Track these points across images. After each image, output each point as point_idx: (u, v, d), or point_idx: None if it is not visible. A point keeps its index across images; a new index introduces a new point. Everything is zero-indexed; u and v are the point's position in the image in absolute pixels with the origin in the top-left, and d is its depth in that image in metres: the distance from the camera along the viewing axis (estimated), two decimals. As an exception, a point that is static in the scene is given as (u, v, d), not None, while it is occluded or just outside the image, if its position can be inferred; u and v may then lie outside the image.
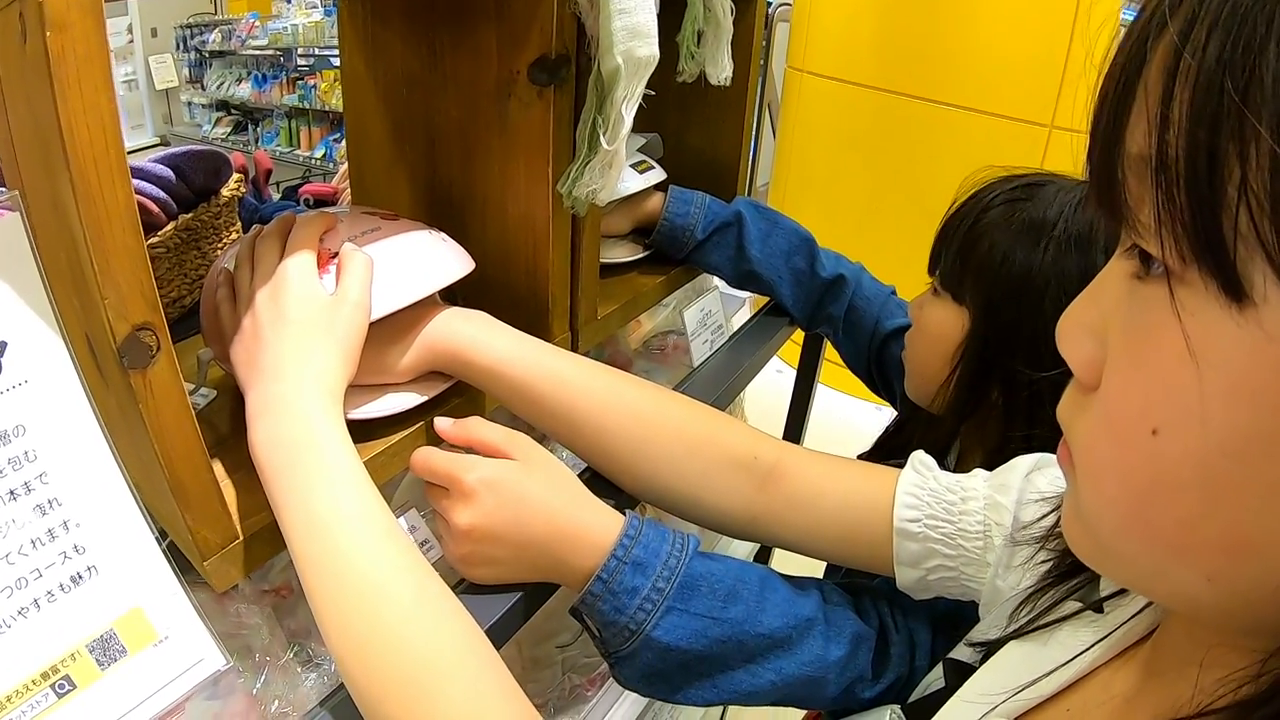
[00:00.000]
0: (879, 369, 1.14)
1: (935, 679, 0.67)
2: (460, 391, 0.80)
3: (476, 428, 0.71)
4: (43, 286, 0.50)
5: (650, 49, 0.74)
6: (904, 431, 1.07)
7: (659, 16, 0.77)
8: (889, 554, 0.72)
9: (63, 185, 0.44)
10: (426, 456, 0.69)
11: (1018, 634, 0.59)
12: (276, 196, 1.38)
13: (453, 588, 0.66)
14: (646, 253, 1.15)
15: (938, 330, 0.91)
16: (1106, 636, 0.54)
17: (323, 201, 1.35)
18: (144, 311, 0.49)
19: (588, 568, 0.66)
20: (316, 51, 5.68)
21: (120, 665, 0.55)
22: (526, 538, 0.66)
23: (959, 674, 0.63)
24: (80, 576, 0.53)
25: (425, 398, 0.75)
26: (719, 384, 1.04)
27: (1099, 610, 0.57)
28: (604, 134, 0.75)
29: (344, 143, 5.28)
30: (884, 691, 0.75)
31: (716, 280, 1.26)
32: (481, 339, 0.76)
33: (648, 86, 0.80)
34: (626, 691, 1.24)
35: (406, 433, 0.74)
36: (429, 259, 0.73)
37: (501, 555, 0.67)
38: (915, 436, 1.01)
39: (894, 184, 3.26)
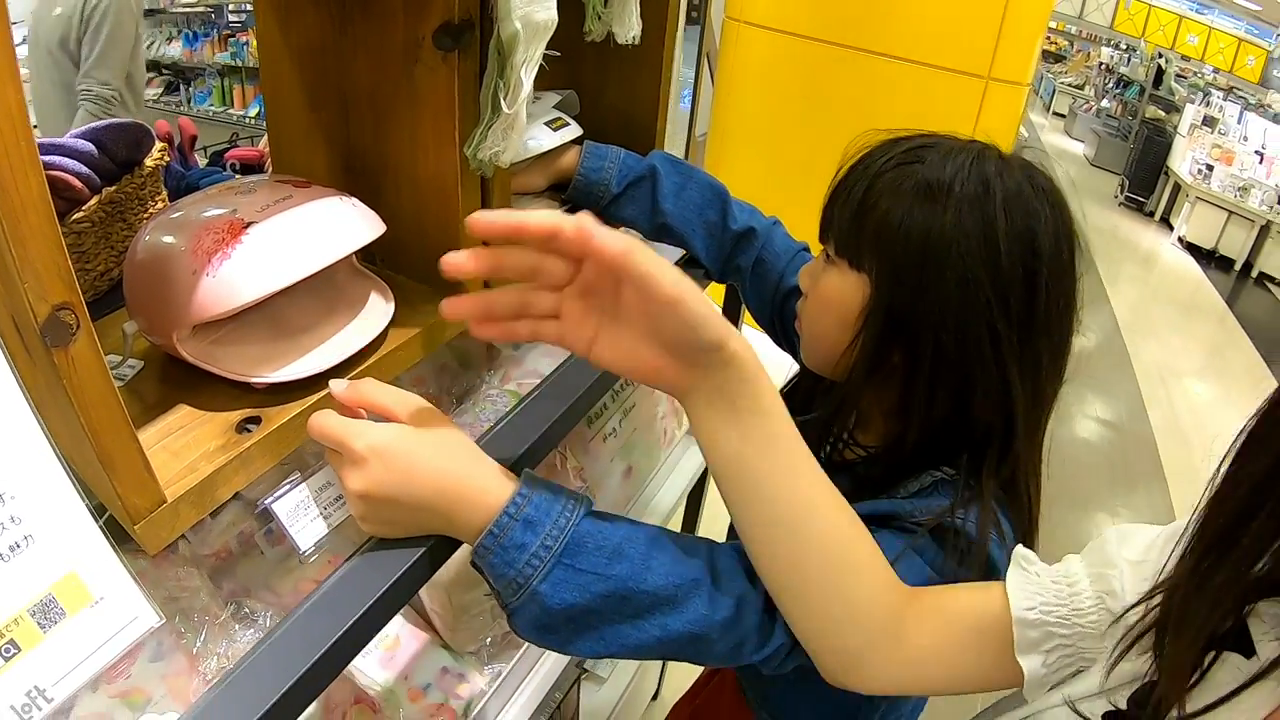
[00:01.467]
0: (780, 322, 1.16)
1: None
2: (371, 351, 0.82)
3: (368, 390, 0.71)
4: (-37, 275, 0.52)
5: (548, 13, 0.76)
6: (800, 390, 1.09)
7: (570, -22, 0.79)
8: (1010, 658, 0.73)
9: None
10: (321, 421, 0.69)
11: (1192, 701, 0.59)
12: (203, 162, 1.37)
13: (361, 545, 0.70)
14: (563, 208, 1.15)
15: (836, 298, 0.90)
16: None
17: (249, 167, 1.34)
18: (62, 292, 0.51)
19: (480, 525, 0.68)
20: (248, 7, 5.60)
21: (60, 627, 0.57)
22: (417, 500, 0.68)
23: None
24: (18, 545, 0.55)
25: (340, 359, 0.77)
26: None
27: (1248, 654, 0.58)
28: (504, 97, 0.77)
29: None
30: (771, 655, 0.78)
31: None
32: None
33: (556, 46, 0.82)
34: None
35: (325, 392, 0.75)
36: (338, 224, 0.75)
37: (396, 516, 0.69)
38: (815, 398, 1.03)
39: (831, 135, 3.34)
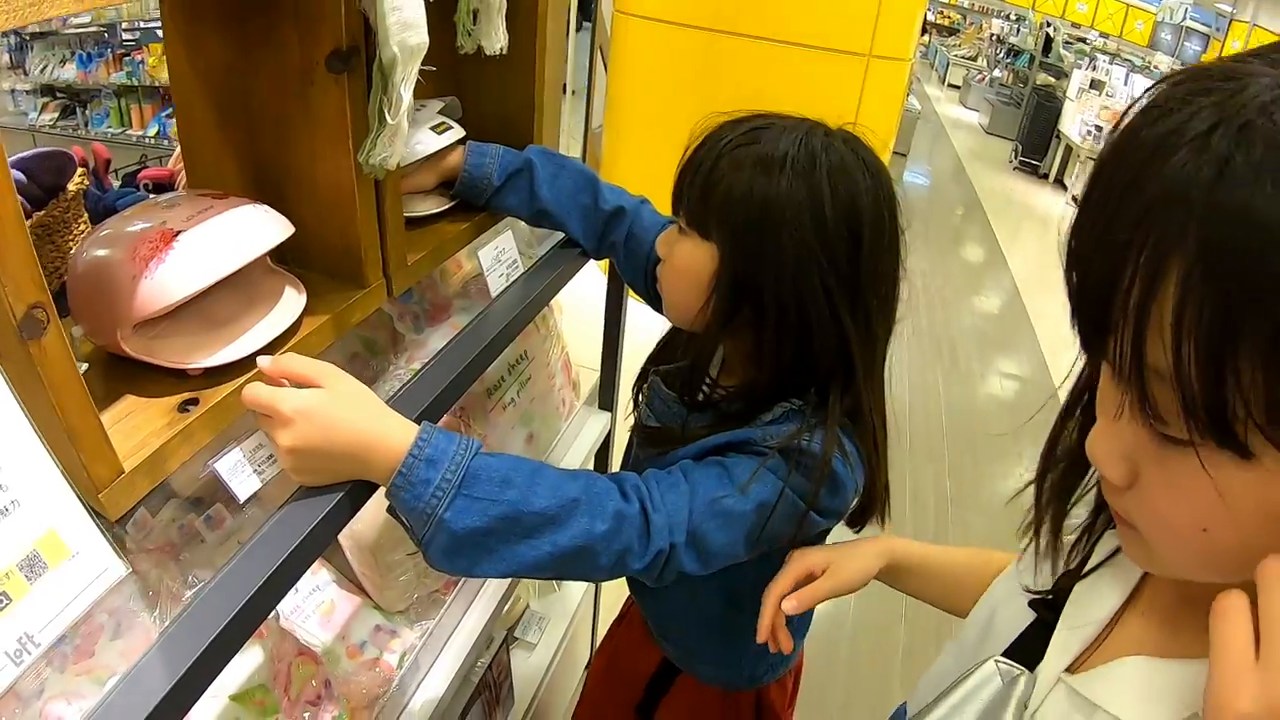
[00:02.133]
0: (653, 286, 1.27)
1: (1021, 622, 0.80)
2: (289, 337, 0.94)
3: (289, 362, 0.84)
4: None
5: (420, 37, 0.89)
6: (672, 344, 1.25)
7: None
8: None
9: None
10: (253, 391, 0.81)
11: (1082, 575, 0.76)
12: (117, 184, 1.46)
13: (290, 495, 0.82)
14: (452, 203, 1.29)
15: (689, 264, 1.03)
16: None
17: (161, 185, 1.44)
18: (35, 293, 0.63)
19: (390, 467, 0.81)
20: (142, 25, 5.48)
21: (44, 578, 0.65)
22: (338, 450, 0.81)
23: (1049, 609, 0.78)
24: (6, 509, 0.63)
25: (263, 344, 0.90)
26: (508, 314, 1.20)
27: None
28: (388, 110, 0.90)
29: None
30: (652, 561, 0.93)
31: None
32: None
33: (436, 60, 0.95)
34: (478, 594, 1.43)
35: (253, 373, 0.88)
36: (255, 227, 0.88)
37: (320, 466, 0.82)
38: (681, 348, 1.20)
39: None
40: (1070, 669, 0.71)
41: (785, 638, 1.05)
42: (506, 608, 1.88)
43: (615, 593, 2.78)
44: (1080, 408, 0.69)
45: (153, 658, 0.69)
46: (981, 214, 9.36)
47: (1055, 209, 10.50)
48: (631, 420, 1.32)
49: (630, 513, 0.92)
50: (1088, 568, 0.75)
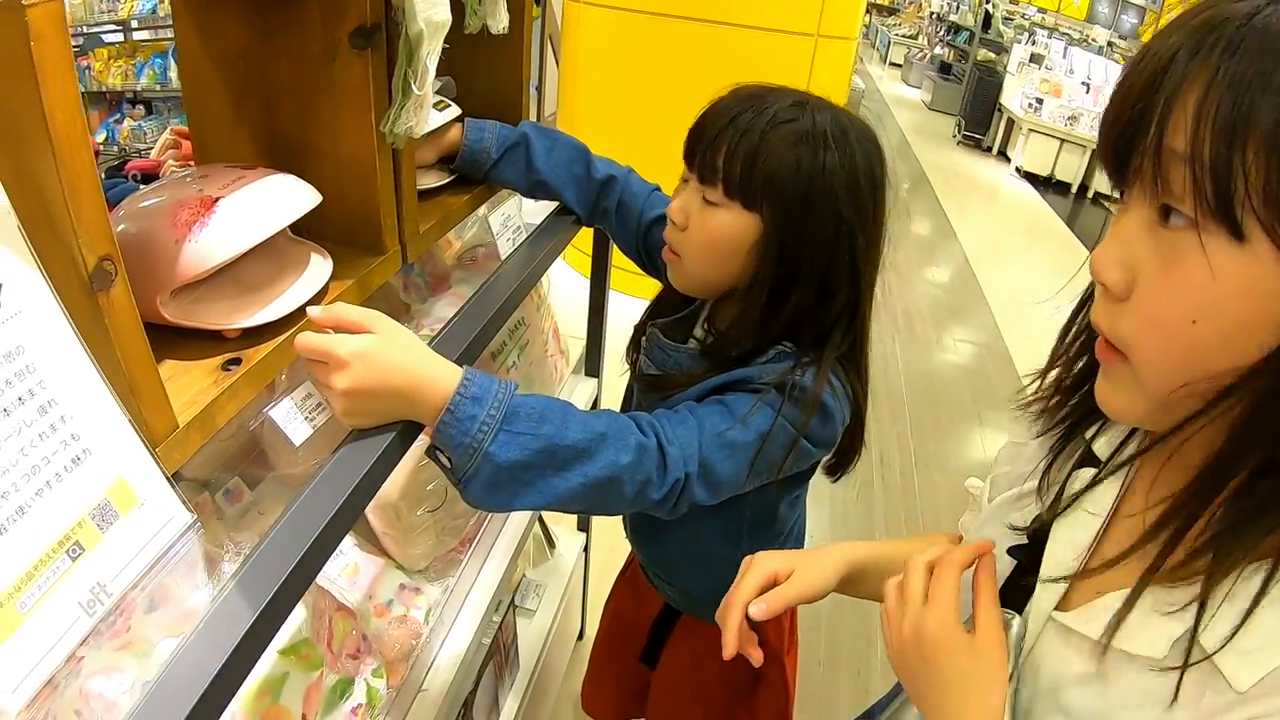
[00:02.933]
0: (645, 249, 1.38)
1: (1003, 570, 0.83)
2: (318, 300, 0.98)
3: (341, 311, 0.87)
4: (23, 238, 0.62)
5: (445, 14, 0.95)
6: (664, 303, 1.32)
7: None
8: None
9: (42, 156, 0.60)
10: (306, 339, 0.85)
11: (1057, 515, 0.80)
12: (103, 177, 1.49)
13: (343, 439, 0.86)
14: (453, 177, 1.35)
15: (728, 235, 1.09)
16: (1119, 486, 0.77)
17: (150, 176, 1.47)
18: (105, 245, 0.67)
19: (439, 404, 0.86)
20: (86, 30, 5.38)
21: (115, 527, 0.67)
22: (392, 390, 0.85)
23: (1027, 554, 0.82)
24: (78, 459, 0.65)
25: (297, 305, 0.94)
26: (519, 274, 1.25)
27: (1103, 466, 0.79)
28: (414, 82, 0.95)
29: (126, 123, 4.95)
30: (670, 490, 1.00)
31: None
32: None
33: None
34: (491, 552, 1.48)
35: (290, 332, 0.92)
36: (289, 193, 0.93)
37: (375, 407, 0.86)
38: (671, 306, 1.29)
39: (673, 103, 3.57)
40: (1058, 607, 0.76)
41: (755, 650, 1.05)
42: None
43: (605, 557, 2.85)
44: (1087, 307, 0.74)
45: (220, 612, 0.70)
46: (929, 188, 9.49)
47: (1000, 180, 10.65)
48: (624, 381, 1.40)
49: (649, 445, 0.98)
50: (1061, 507, 0.80)
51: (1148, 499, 0.72)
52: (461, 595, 1.40)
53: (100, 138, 5.54)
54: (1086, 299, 0.77)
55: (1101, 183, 10.49)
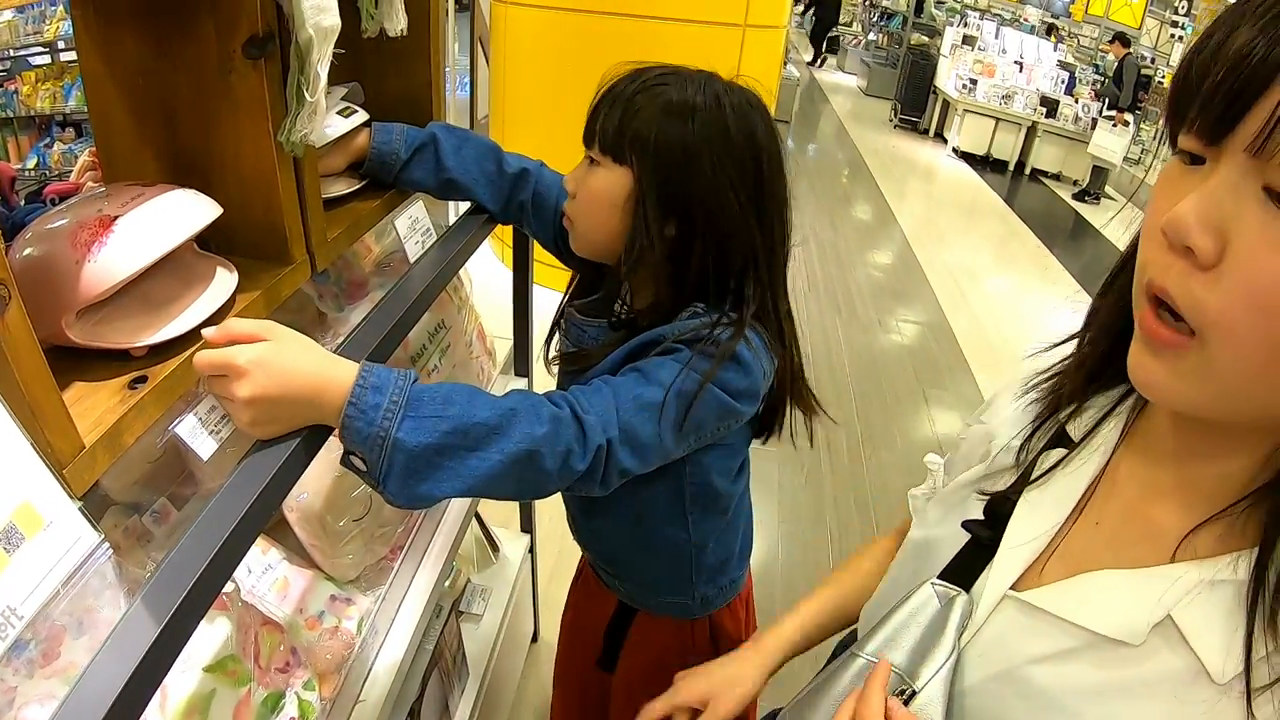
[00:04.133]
0: (562, 240, 1.37)
1: (955, 545, 0.83)
2: (223, 314, 0.97)
3: (234, 326, 0.87)
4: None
5: (333, 19, 0.94)
6: (580, 286, 1.35)
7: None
8: None
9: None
10: (204, 355, 0.84)
11: (1022, 492, 0.80)
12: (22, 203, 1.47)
13: (249, 449, 0.86)
14: (362, 183, 1.35)
15: (604, 189, 1.15)
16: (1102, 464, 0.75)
17: (67, 198, 1.45)
18: (-1, 271, 0.66)
19: (341, 402, 0.87)
20: (13, 53, 5.25)
21: (22, 550, 0.67)
22: (294, 393, 0.85)
23: (985, 529, 0.81)
24: None
25: (202, 319, 0.94)
26: (428, 275, 1.25)
27: (1075, 447, 0.78)
28: (307, 90, 0.95)
29: (56, 147, 4.85)
30: (593, 461, 1.00)
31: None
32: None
33: (341, 45, 1.00)
34: (424, 557, 1.48)
35: (195, 348, 0.92)
36: (188, 208, 0.92)
37: (279, 413, 0.86)
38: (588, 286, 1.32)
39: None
40: (1014, 586, 0.75)
41: None
42: (449, 581, 1.94)
43: (553, 558, 2.85)
44: (1117, 283, 0.74)
45: (126, 626, 0.69)
46: (867, 172, 9.60)
47: (938, 161, 10.79)
48: (554, 382, 1.39)
49: (563, 415, 0.99)
50: (1029, 484, 0.80)
51: (1136, 480, 0.73)
52: (395, 603, 1.40)
53: (31, 163, 5.41)
54: (1117, 273, 0.74)
55: (1039, 159, 10.70)
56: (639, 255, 1.14)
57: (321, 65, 0.95)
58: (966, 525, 0.83)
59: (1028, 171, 10.78)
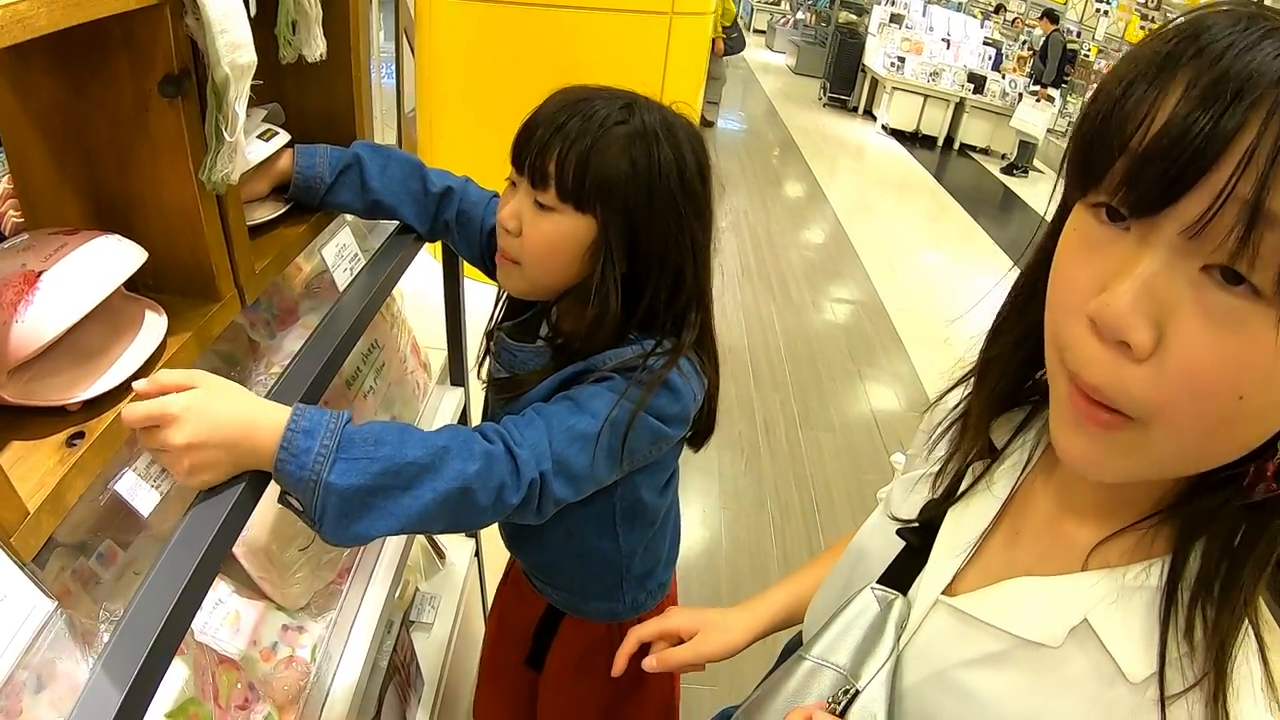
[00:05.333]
0: (489, 256, 1.35)
1: (891, 552, 0.85)
2: (157, 359, 0.97)
3: (164, 378, 0.87)
4: None
5: (249, 56, 0.93)
6: (511, 308, 1.35)
7: (261, 9, 0.96)
8: None
9: None
10: (133, 410, 0.84)
11: (950, 502, 0.82)
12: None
13: (194, 500, 0.86)
14: (288, 206, 1.32)
15: (563, 236, 1.12)
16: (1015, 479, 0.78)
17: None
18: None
19: (274, 446, 0.87)
20: None
21: None
22: (228, 438, 0.85)
23: (917, 536, 0.83)
24: None
25: (135, 368, 0.93)
26: (358, 305, 1.24)
27: (996, 456, 0.80)
28: (225, 129, 0.94)
29: None
30: (528, 492, 1.01)
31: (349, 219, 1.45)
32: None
33: (258, 69, 0.98)
34: (372, 577, 1.48)
35: (131, 396, 0.90)
36: (112, 257, 0.91)
37: (214, 458, 0.85)
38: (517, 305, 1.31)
39: (536, 91, 3.55)
40: (946, 591, 0.78)
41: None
42: (398, 593, 1.93)
43: (500, 559, 2.85)
44: (1001, 338, 0.76)
45: (93, 688, 0.70)
46: (797, 151, 9.67)
47: (867, 139, 10.90)
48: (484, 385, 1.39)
49: (497, 452, 1.00)
50: (956, 495, 0.82)
51: (1050, 493, 0.75)
52: (346, 626, 1.39)
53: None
54: (1008, 311, 0.75)
55: (967, 134, 10.86)
56: (599, 297, 1.13)
57: (239, 103, 0.94)
58: (901, 533, 0.85)
59: (956, 147, 10.96)
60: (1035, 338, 0.65)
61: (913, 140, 10.98)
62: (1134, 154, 0.51)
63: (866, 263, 6.69)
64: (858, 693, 0.78)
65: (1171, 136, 0.49)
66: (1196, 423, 0.53)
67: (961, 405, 0.84)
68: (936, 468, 0.85)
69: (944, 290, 6.55)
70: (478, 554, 2.49)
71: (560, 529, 1.33)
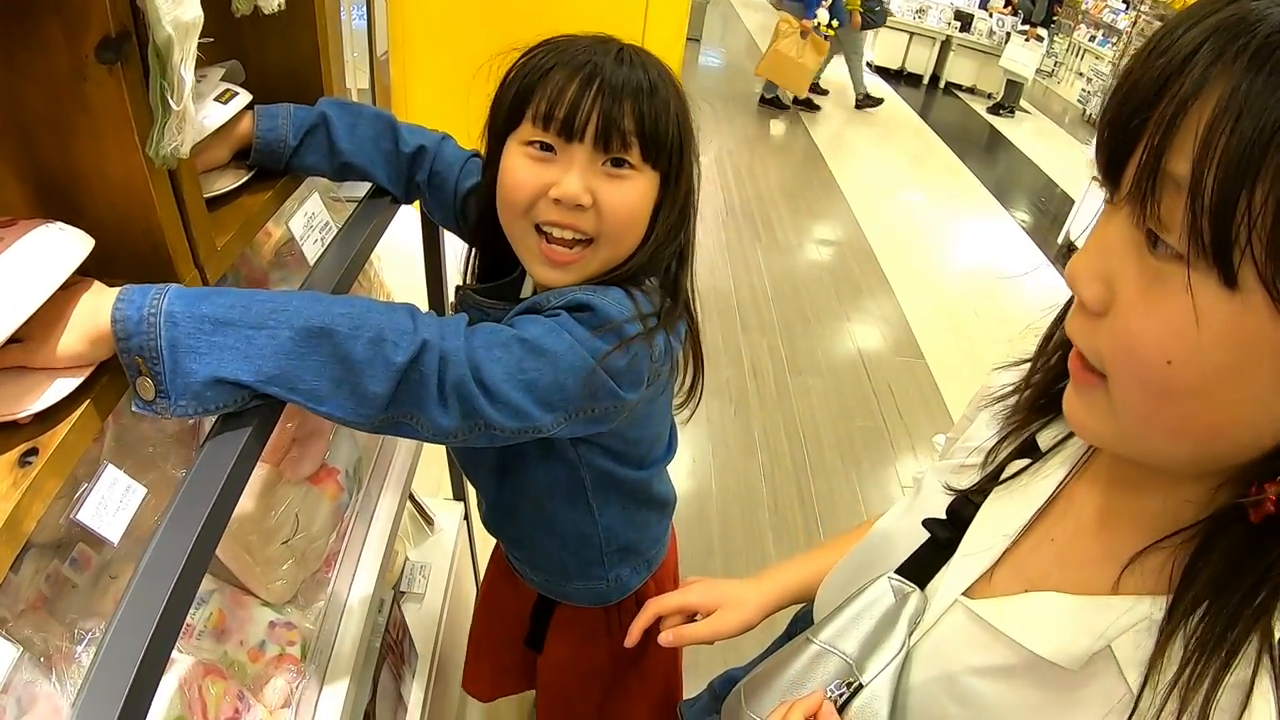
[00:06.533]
0: (464, 220, 1.28)
1: (914, 541, 0.84)
2: (106, 367, 0.86)
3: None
4: None
5: (194, 11, 0.82)
6: (481, 267, 1.27)
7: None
8: None
9: None
10: None
11: (986, 490, 0.81)
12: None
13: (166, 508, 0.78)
14: (250, 174, 1.19)
15: (641, 199, 1.05)
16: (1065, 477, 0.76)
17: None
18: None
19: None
20: None
21: None
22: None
23: (945, 530, 0.82)
24: None
25: (84, 377, 0.82)
26: (333, 276, 1.12)
27: (1040, 458, 0.79)
28: (171, 96, 0.83)
29: None
30: (418, 355, 0.87)
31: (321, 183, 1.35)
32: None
33: (211, 24, 0.87)
34: (360, 562, 1.41)
35: (82, 409, 0.81)
36: (53, 252, 0.81)
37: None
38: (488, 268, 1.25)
39: (511, 37, 3.45)
40: (966, 593, 0.77)
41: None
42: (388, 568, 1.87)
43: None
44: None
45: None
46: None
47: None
48: None
49: (395, 310, 0.90)
50: (994, 485, 0.81)
51: (1092, 502, 0.73)
52: (336, 615, 1.33)
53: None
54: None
55: (954, 73, 10.77)
56: (657, 259, 1.10)
57: (186, 66, 0.83)
58: (927, 524, 0.84)
59: (942, 85, 10.86)
60: None
61: (898, 78, 10.86)
62: (1101, 126, 0.56)
63: (852, 202, 6.62)
64: (860, 686, 0.79)
65: (1119, 102, 0.54)
66: (1136, 386, 0.55)
67: (1011, 386, 0.83)
68: (979, 458, 0.83)
69: (929, 231, 6.49)
70: (466, 516, 2.45)
71: (528, 499, 1.29)
